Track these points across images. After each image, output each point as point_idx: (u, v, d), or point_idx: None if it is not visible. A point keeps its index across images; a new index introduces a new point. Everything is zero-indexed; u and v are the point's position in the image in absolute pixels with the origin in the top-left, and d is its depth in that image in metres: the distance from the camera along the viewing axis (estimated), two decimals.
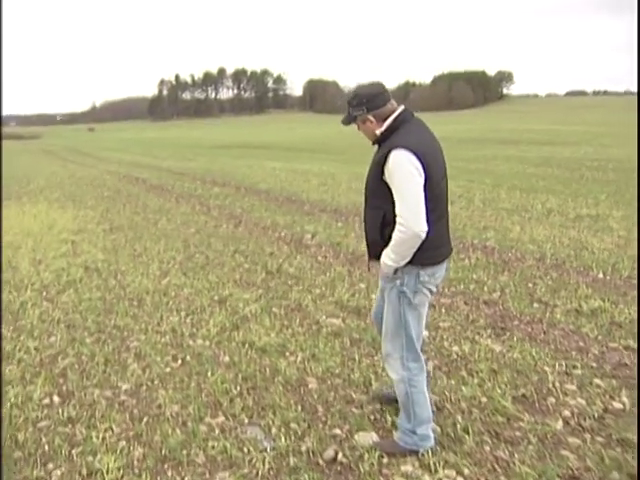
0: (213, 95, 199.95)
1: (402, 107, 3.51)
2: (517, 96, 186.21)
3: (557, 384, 4.68)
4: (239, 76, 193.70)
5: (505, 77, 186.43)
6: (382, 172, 3.37)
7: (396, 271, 3.49)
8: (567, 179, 20.19)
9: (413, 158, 3.28)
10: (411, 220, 3.25)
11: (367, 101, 3.45)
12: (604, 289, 7.26)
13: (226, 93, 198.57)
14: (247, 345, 5.49)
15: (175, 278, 7.77)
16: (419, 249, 3.36)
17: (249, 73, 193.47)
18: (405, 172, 3.28)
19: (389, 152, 3.31)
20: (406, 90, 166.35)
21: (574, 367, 5.02)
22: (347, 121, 3.58)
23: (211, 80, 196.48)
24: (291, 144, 47.35)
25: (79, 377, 4.88)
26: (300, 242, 10.14)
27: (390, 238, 3.40)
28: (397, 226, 3.31)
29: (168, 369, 5.00)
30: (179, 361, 5.17)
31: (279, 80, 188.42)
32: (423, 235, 3.28)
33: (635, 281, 7.64)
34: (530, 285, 7.44)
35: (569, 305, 6.63)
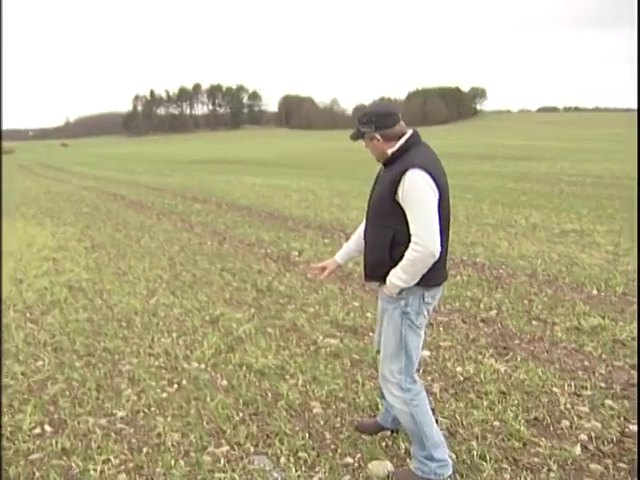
0: (188, 111, 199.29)
1: (412, 130, 3.53)
2: (490, 112, 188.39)
3: (568, 406, 4.55)
4: (214, 92, 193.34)
5: (478, 93, 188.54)
6: (395, 192, 3.35)
7: (401, 292, 3.45)
8: (547, 194, 20.28)
9: (429, 178, 3.30)
10: (428, 240, 3.24)
11: (376, 120, 3.47)
12: (601, 306, 7.18)
13: (201, 109, 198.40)
14: (244, 368, 5.28)
15: (163, 297, 7.55)
16: (427, 270, 3.35)
17: (224, 89, 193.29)
18: (421, 192, 3.28)
19: (404, 172, 3.31)
20: None
21: (583, 387, 4.90)
22: (355, 137, 3.59)
23: (186, 95, 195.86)
24: (268, 159, 47.24)
25: (71, 404, 4.64)
26: (287, 259, 9.97)
27: (399, 259, 3.37)
28: (412, 246, 3.29)
29: (164, 394, 4.78)
30: (175, 385, 4.95)
31: (254, 96, 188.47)
32: (437, 255, 3.28)
33: (630, 297, 7.59)
34: (526, 302, 7.34)
35: (568, 323, 6.53)
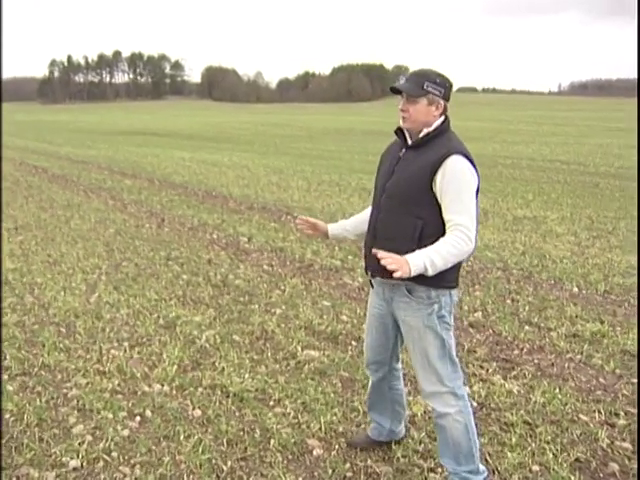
0: (108, 79, 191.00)
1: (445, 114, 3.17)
2: None
3: (607, 441, 3.93)
4: (135, 60, 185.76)
5: (402, 71, 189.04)
6: (432, 178, 2.99)
7: (430, 295, 3.10)
8: (487, 176, 19.98)
9: (471, 166, 3.03)
10: (473, 232, 2.95)
11: (448, 87, 3.11)
12: (590, 307, 6.67)
13: (121, 77, 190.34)
14: (218, 391, 4.42)
15: (106, 294, 6.54)
16: (457, 268, 3.12)
17: (146, 57, 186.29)
18: (467, 180, 3.00)
19: (445, 157, 2.97)
20: (305, 80, 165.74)
21: (613, 414, 4.30)
22: (414, 91, 3.06)
23: (106, 63, 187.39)
24: (193, 132, 45.60)
25: (6, 451, 3.65)
26: (237, 247, 9.08)
27: None
28: (459, 234, 2.91)
29: (126, 432, 3.85)
30: (137, 418, 4.03)
31: (177, 66, 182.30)
32: (473, 251, 3.01)
33: (614, 297, 7.14)
34: (509, 302, 6.77)
35: (564, 329, 5.97)
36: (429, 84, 3.04)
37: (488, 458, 3.67)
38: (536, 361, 5.24)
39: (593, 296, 7.14)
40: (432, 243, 2.95)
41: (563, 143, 35.56)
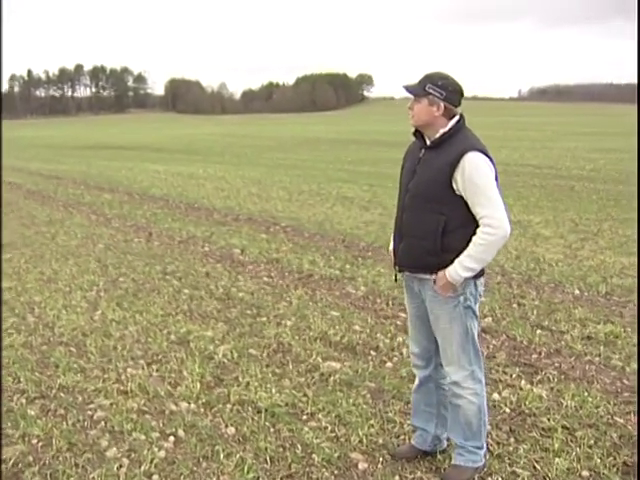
0: (70, 93, 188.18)
1: (460, 113, 3.37)
2: (376, 98, 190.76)
3: None
4: (97, 74, 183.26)
5: (365, 80, 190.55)
6: (451, 176, 3.18)
7: (455, 290, 3.28)
8: None
9: (488, 160, 3.21)
10: (502, 219, 3.15)
11: (450, 91, 3.28)
12: (595, 309, 6.70)
13: (83, 91, 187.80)
14: (248, 407, 4.31)
15: (109, 311, 6.37)
16: None
17: (108, 71, 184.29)
18: (485, 174, 3.18)
19: (462, 155, 3.16)
20: (269, 91, 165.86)
21: None
22: (416, 91, 3.31)
23: (67, 77, 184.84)
24: (162, 145, 45.17)
25: (41, 479, 3.50)
26: (232, 259, 8.96)
27: (449, 247, 3.22)
28: (485, 229, 3.15)
29: (162, 453, 3.72)
30: (171, 438, 3.90)
31: (140, 79, 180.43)
32: (508, 236, 3.19)
33: (616, 298, 7.19)
34: (516, 307, 6.77)
35: (576, 331, 5.98)
36: (431, 86, 3.25)
37: (536, 465, 3.63)
38: (557, 364, 5.23)
39: (596, 298, 7.18)
40: (455, 237, 3.22)
41: (531, 148, 36.00)
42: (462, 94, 3.33)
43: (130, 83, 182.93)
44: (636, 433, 4.02)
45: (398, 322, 6.23)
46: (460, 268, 3.21)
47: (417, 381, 3.71)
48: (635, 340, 5.73)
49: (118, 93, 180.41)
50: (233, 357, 5.20)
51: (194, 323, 6.05)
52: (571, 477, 3.51)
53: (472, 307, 3.37)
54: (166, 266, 8.36)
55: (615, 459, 3.70)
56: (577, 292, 7.40)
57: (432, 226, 3.24)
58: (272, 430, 4.01)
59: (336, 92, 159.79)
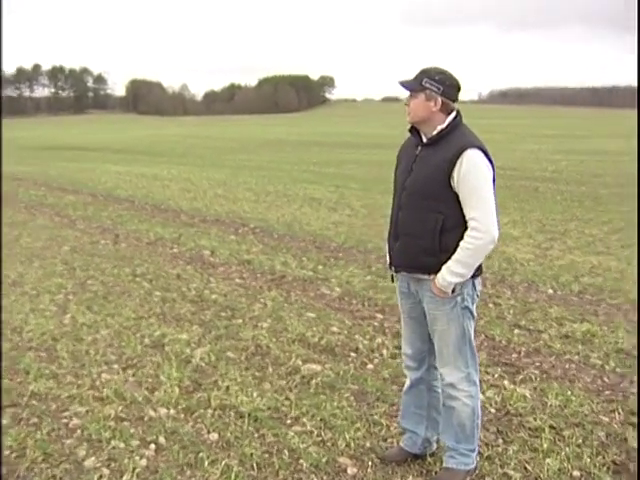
0: (27, 93, 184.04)
1: (457, 109, 3.28)
2: (337, 100, 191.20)
3: (635, 444, 3.88)
4: (56, 74, 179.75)
5: (327, 82, 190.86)
6: (449, 173, 3.10)
7: (454, 289, 3.18)
8: None
9: (486, 159, 3.14)
10: (490, 224, 3.08)
11: (448, 85, 3.19)
12: (570, 308, 6.74)
13: (42, 91, 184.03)
14: (230, 412, 4.19)
15: (79, 314, 6.17)
16: None
17: (67, 71, 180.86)
18: (483, 173, 3.11)
19: (461, 152, 3.08)
20: (231, 92, 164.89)
21: (632, 414, 4.29)
22: (412, 86, 3.23)
23: (25, 77, 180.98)
24: (124, 146, 44.45)
25: None
26: (202, 261, 8.80)
27: (448, 247, 3.14)
28: (472, 233, 3.09)
29: (144, 461, 3.58)
30: (152, 446, 3.75)
31: (100, 79, 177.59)
32: (496, 240, 3.13)
33: (589, 296, 7.25)
34: (492, 306, 6.77)
35: (553, 330, 6.00)
36: (428, 80, 3.16)
37: (527, 466, 3.59)
38: (537, 364, 5.22)
39: (569, 297, 7.22)
40: (453, 236, 3.13)
41: (495, 149, 36.03)
42: (459, 89, 3.26)
43: (90, 84, 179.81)
44: (625, 432, 4.02)
45: (375, 323, 6.17)
46: (448, 274, 3.14)
47: (408, 383, 3.63)
48: (612, 339, 5.76)
49: (78, 94, 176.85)
50: (211, 360, 5.06)
51: (168, 326, 5.89)
52: (562, 477, 3.48)
53: (470, 308, 3.31)
54: (135, 268, 8.17)
55: (604, 458, 3.68)
56: (551, 291, 7.44)
57: (430, 225, 3.17)
58: (256, 435, 3.90)
59: (298, 94, 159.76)
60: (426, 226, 3.18)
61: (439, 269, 3.18)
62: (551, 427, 4.03)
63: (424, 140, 3.28)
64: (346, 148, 39.66)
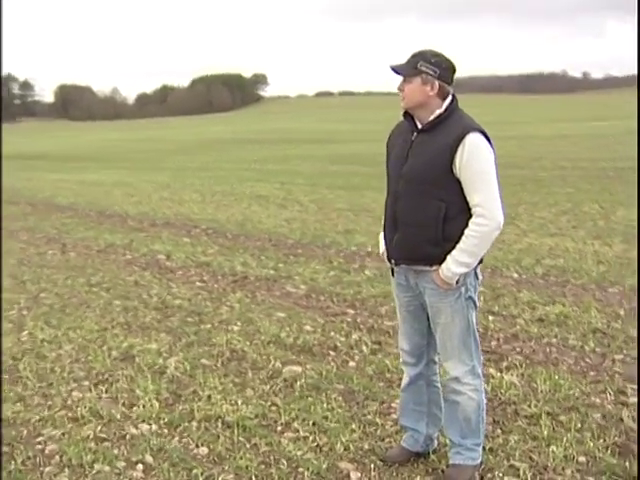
0: None
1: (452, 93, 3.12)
2: (271, 97, 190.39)
3: (631, 423, 3.85)
4: None
5: (260, 79, 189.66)
6: (451, 159, 2.96)
7: (457, 280, 3.05)
8: (377, 175, 20.18)
9: (488, 143, 3.03)
10: (495, 211, 2.96)
11: (444, 68, 3.04)
12: (538, 290, 6.78)
13: None
14: (216, 423, 3.97)
15: (37, 330, 5.83)
16: None
17: None
18: (485, 157, 2.99)
19: (463, 136, 2.94)
20: (164, 94, 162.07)
21: (621, 393, 4.27)
22: (407, 70, 3.05)
23: None
24: (61, 153, 43.10)
25: None
26: (159, 265, 8.51)
27: (451, 236, 3.01)
28: (478, 220, 2.96)
29: None
30: (140, 466, 3.51)
31: (26, 86, 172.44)
32: (502, 227, 3.02)
33: (553, 278, 7.32)
34: None
35: (527, 314, 6.00)
36: (423, 63, 3.00)
37: (532, 455, 3.50)
38: (518, 349, 5.18)
39: (535, 280, 7.25)
40: (456, 224, 3.00)
41: None
42: (455, 71, 3.10)
43: (16, 90, 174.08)
44: (619, 412, 3.98)
45: (348, 319, 6.03)
46: (453, 264, 3.02)
47: (406, 379, 3.49)
48: (585, 319, 5.78)
49: (4, 102, 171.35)
50: (186, 370, 4.83)
51: (135, 336, 5.62)
52: (569, 464, 3.40)
53: (473, 298, 3.19)
54: (90, 277, 7.82)
55: (605, 441, 3.63)
56: (516, 275, 7.46)
57: (433, 213, 3.03)
58: (248, 446, 3.70)
59: (232, 93, 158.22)
60: (428, 215, 3.04)
61: (442, 259, 3.05)
62: (547, 413, 3.96)
63: (419, 126, 3.13)
64: (285, 144, 39.53)
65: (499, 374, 4.60)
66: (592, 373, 4.65)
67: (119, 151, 40.88)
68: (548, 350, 5.12)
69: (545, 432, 3.72)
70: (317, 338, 5.49)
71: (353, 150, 31.99)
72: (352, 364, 4.91)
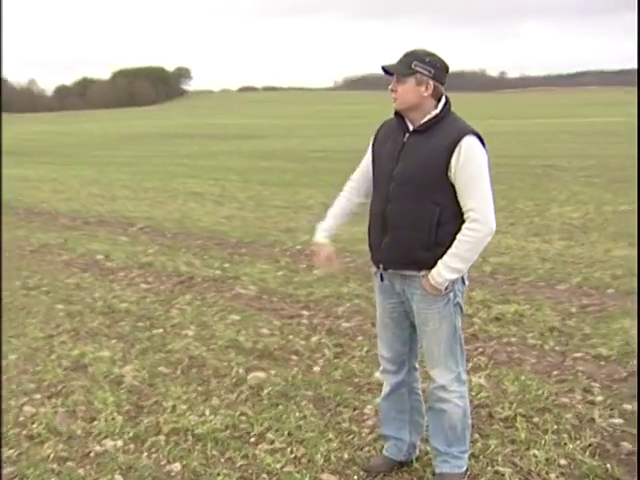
0: None
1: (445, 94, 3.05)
2: (195, 92, 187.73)
3: (603, 423, 3.88)
4: None
5: (183, 73, 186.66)
6: (447, 162, 2.88)
7: (447, 286, 2.98)
8: (307, 171, 20.24)
9: (482, 147, 2.95)
10: (489, 215, 2.90)
11: (439, 68, 2.95)
12: (489, 289, 6.82)
13: None
14: (185, 436, 3.79)
15: None
16: None
17: None
18: (482, 162, 2.92)
19: (459, 139, 2.87)
20: (84, 86, 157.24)
21: (588, 392, 4.30)
22: (400, 70, 2.94)
23: None
24: None
25: None
26: (98, 266, 8.17)
27: (443, 240, 2.93)
28: (471, 225, 2.89)
29: None
30: None
31: None
32: (494, 233, 2.94)
33: (501, 276, 7.39)
34: None
35: (483, 314, 6.03)
36: (417, 63, 2.91)
37: (515, 460, 3.47)
38: (480, 350, 5.18)
39: (485, 279, 7.29)
40: (449, 229, 2.93)
41: (362, 134, 36.93)
42: (448, 71, 3.01)
43: None
44: (589, 412, 4.01)
45: (304, 321, 5.92)
46: (444, 269, 2.94)
47: (387, 388, 3.39)
48: (540, 317, 5.83)
49: None
50: (145, 379, 4.61)
51: (84, 343, 5.34)
52: (552, 467, 3.39)
53: (460, 304, 3.14)
54: (26, 280, 7.42)
55: (582, 442, 3.64)
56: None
57: (426, 217, 2.95)
58: (223, 460, 3.54)
59: (155, 86, 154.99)
60: (421, 218, 2.96)
61: (433, 265, 2.96)
62: (521, 415, 3.95)
63: (410, 127, 3.03)
64: (212, 139, 38.98)
65: (466, 376, 4.57)
66: (555, 372, 4.68)
67: (41, 145, 39.39)
68: (509, 350, 5.14)
69: (523, 435, 3.70)
70: (276, 342, 5.34)
71: (280, 146, 31.80)
72: (317, 369, 4.79)
